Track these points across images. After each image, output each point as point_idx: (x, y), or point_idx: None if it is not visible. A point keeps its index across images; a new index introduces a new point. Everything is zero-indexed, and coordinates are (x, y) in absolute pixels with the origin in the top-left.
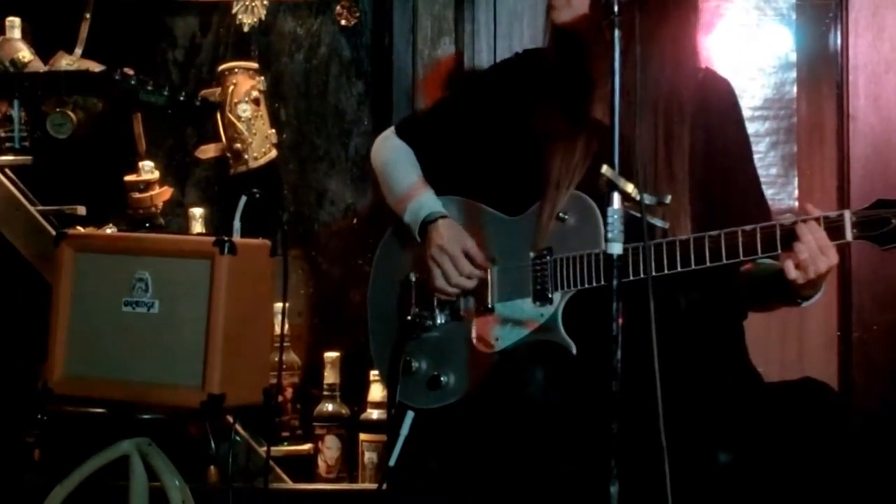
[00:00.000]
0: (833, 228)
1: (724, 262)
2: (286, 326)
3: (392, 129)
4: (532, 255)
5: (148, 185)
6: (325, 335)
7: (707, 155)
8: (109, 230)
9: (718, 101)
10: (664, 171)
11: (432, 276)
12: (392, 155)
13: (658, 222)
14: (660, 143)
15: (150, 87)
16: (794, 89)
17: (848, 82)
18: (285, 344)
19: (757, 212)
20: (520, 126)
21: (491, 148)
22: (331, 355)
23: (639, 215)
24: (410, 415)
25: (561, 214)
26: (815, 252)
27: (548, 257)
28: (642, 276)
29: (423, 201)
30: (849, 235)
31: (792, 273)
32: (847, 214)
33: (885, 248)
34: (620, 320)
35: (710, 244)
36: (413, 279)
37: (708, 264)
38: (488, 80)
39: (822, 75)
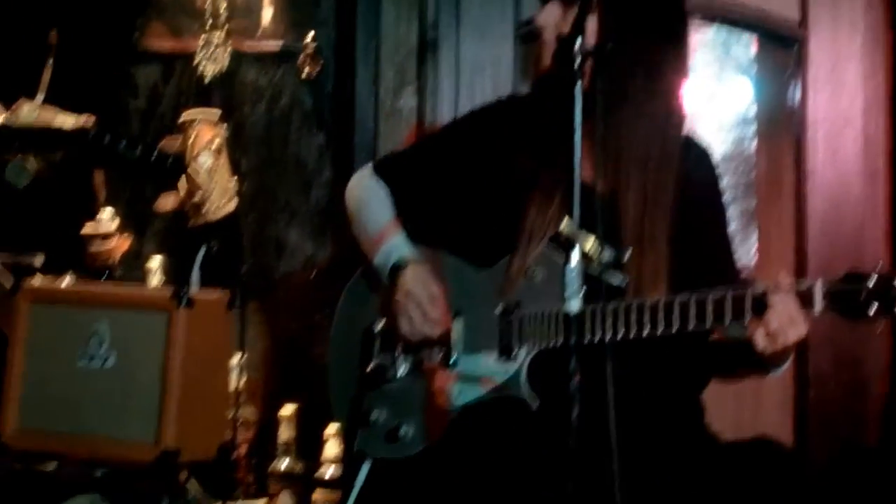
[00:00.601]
0: (802, 298)
1: (693, 328)
2: (243, 380)
3: (369, 166)
4: (499, 309)
5: (106, 235)
6: (281, 390)
7: (685, 221)
8: (67, 280)
9: (699, 169)
10: (648, 230)
11: (398, 322)
12: (367, 194)
13: (616, 280)
14: (648, 204)
15: (122, 145)
16: (754, 144)
17: (807, 138)
18: (241, 398)
19: (728, 282)
20: (498, 174)
21: (468, 194)
22: (287, 409)
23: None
24: (367, 463)
25: (531, 269)
26: (786, 322)
27: (515, 312)
28: (611, 335)
29: (395, 244)
30: (818, 307)
31: (761, 342)
32: (818, 285)
33: (853, 321)
34: (578, 377)
35: (679, 308)
36: (377, 327)
37: (674, 330)
38: (470, 124)
39: (781, 130)
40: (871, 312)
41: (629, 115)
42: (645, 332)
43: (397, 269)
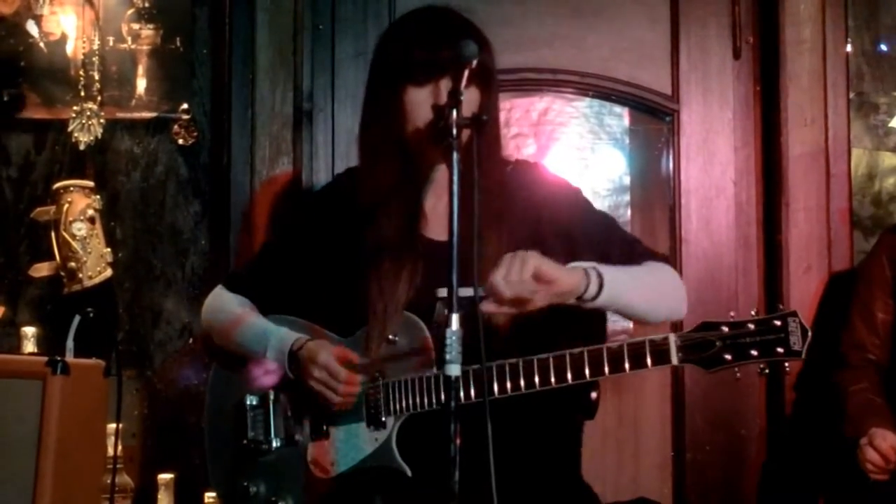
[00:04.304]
0: (658, 352)
1: (561, 383)
2: (119, 448)
3: (220, 286)
4: (363, 378)
5: None
6: (159, 457)
7: (553, 231)
8: None
9: (539, 187)
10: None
11: (323, 396)
12: (220, 302)
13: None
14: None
15: None
16: (628, 212)
17: (680, 206)
18: (118, 466)
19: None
20: (347, 249)
21: (322, 272)
22: (164, 477)
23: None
24: None
25: (391, 336)
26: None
27: (379, 381)
28: (498, 396)
29: (260, 324)
30: (674, 359)
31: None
32: (672, 338)
33: (711, 370)
34: (458, 441)
35: (555, 364)
36: (248, 402)
37: (546, 386)
38: (310, 208)
39: (655, 199)
40: (727, 360)
41: (491, 173)
42: (521, 390)
43: (296, 350)
